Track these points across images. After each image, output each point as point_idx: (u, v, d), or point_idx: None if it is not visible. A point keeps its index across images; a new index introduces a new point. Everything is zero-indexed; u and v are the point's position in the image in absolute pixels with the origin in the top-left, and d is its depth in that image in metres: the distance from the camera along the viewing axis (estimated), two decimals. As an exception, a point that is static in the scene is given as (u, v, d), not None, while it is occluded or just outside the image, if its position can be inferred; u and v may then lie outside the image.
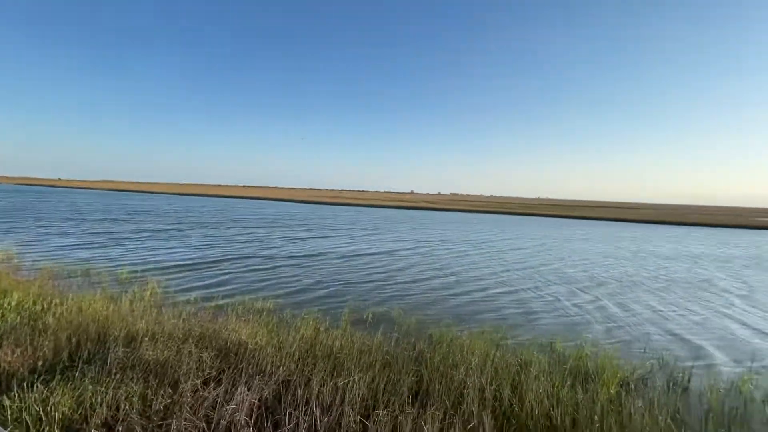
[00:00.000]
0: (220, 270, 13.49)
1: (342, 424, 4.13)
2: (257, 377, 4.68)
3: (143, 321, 6.41)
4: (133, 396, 4.12)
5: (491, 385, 5.16)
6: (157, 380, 4.45)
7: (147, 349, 5.10)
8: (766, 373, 7.17)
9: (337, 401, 4.37)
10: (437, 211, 62.54)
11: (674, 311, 11.23)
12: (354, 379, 4.80)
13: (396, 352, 6.23)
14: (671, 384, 6.42)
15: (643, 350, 8.06)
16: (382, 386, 4.92)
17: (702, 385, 6.35)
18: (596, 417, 4.65)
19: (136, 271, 12.42)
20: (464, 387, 5.08)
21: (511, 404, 4.90)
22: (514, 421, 4.63)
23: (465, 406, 4.68)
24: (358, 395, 4.52)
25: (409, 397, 4.79)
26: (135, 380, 4.38)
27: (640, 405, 5.14)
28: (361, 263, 16.10)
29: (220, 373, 4.87)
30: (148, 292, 9.49)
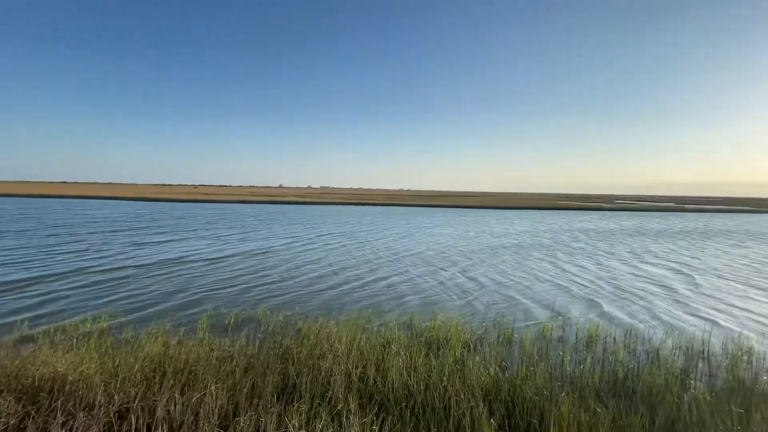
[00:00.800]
0: (30, 293, 10.59)
1: (197, 442, 3.76)
2: (81, 414, 3.87)
3: None
4: None
5: (357, 368, 5.43)
6: None
7: None
8: (562, 320, 9.40)
9: (190, 418, 3.96)
10: (309, 205, 61.90)
11: (507, 278, 13.72)
12: (211, 390, 4.41)
13: (260, 353, 5.96)
14: (500, 339, 7.86)
15: (483, 314, 9.63)
16: (245, 391, 4.66)
17: (521, 336, 7.96)
18: (444, 378, 5.36)
19: None
20: (331, 375, 5.21)
21: (375, 382, 5.25)
22: (377, 397, 4.96)
23: (331, 392, 4.81)
24: (216, 406, 4.18)
25: (274, 396, 4.66)
26: None
27: (477, 360, 6.15)
28: (229, 265, 14.81)
29: (23, 420, 3.86)
30: None
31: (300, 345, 6.33)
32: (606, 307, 10.61)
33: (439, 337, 7.51)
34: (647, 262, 17.95)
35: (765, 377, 6.26)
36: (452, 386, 5.07)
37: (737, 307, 10.91)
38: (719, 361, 7.05)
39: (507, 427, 4.61)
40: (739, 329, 8.98)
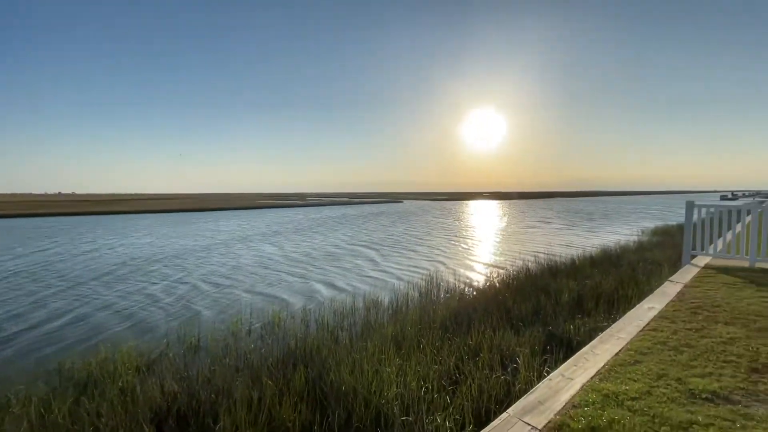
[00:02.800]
0: None
1: None
2: None
3: None
4: None
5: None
6: None
7: None
8: (251, 313, 9.95)
9: None
10: None
11: (196, 283, 13.01)
12: None
13: None
14: (186, 351, 7.38)
15: (165, 329, 8.71)
16: None
17: (209, 339, 7.79)
18: (103, 415, 4.47)
19: None
20: None
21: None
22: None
23: None
24: None
25: None
26: None
27: (151, 381, 5.50)
28: None
29: None
30: None
31: None
32: (291, 292, 12.18)
33: (102, 372, 6.14)
34: (314, 245, 22.03)
35: (380, 315, 9.09)
36: (109, 424, 4.28)
37: (381, 269, 15.32)
38: (361, 313, 9.61)
39: (180, 440, 4.40)
40: (376, 285, 12.65)
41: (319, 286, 12.83)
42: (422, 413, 4.02)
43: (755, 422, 2.66)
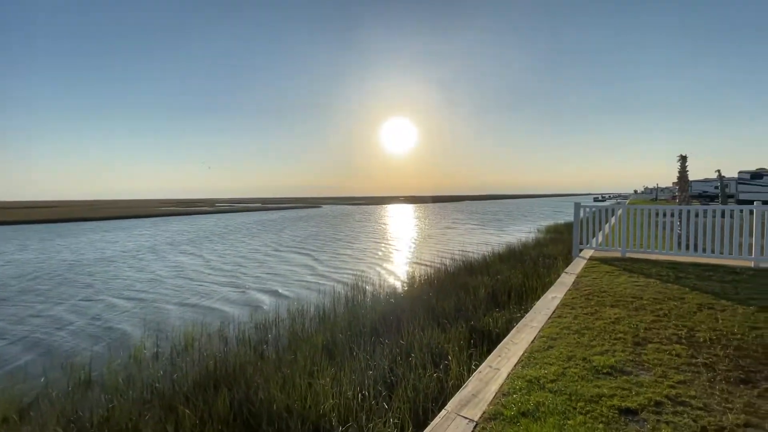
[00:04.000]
0: None
1: None
2: None
3: None
4: None
5: None
6: None
7: None
8: (156, 334, 8.82)
9: None
10: None
11: (67, 308, 11.13)
12: None
13: None
14: (73, 388, 6.22)
15: (41, 367, 7.24)
16: None
17: (102, 370, 6.69)
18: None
19: None
20: None
21: None
22: None
23: None
24: None
25: None
26: None
27: (25, 430, 4.52)
28: None
29: None
30: None
31: None
32: (202, 304, 11.10)
33: (-49, 429, 4.86)
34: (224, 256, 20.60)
35: (307, 324, 8.78)
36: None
37: (298, 276, 14.78)
38: (286, 324, 9.15)
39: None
40: (300, 294, 12.18)
41: (237, 298, 11.93)
42: (362, 422, 3.96)
43: (645, 388, 3.15)
